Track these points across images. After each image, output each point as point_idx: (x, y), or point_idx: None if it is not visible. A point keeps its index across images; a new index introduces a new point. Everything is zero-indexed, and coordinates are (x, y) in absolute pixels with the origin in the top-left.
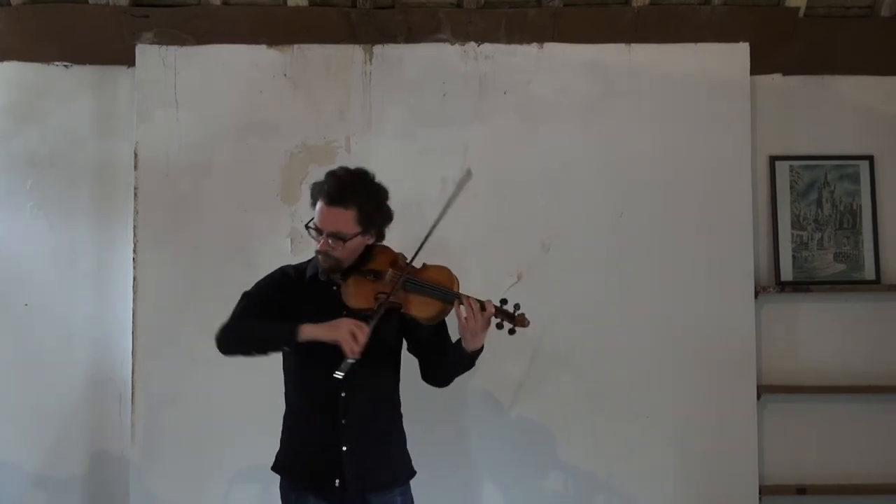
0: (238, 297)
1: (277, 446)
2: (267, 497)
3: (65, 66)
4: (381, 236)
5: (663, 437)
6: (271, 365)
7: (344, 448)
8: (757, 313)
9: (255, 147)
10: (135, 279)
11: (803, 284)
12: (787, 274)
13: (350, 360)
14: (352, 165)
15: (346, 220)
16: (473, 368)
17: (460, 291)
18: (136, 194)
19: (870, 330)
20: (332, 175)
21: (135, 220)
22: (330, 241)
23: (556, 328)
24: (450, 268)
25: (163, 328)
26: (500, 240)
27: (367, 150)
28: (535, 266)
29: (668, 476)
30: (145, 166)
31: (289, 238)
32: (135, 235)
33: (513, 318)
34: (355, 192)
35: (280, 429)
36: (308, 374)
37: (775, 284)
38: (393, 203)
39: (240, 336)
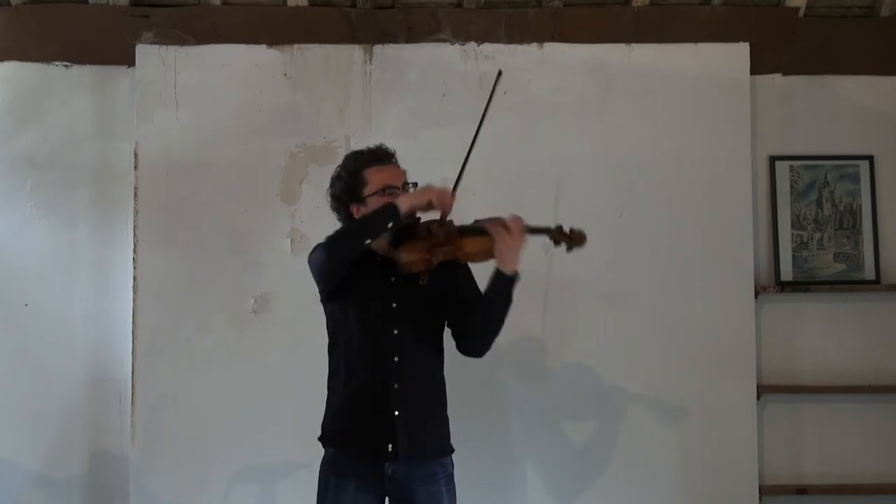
0: (239, 297)
1: (277, 446)
2: (267, 497)
3: (65, 66)
4: None
5: (663, 437)
6: (271, 365)
7: (396, 413)
8: (757, 313)
9: (255, 147)
10: (135, 279)
11: (803, 284)
12: (787, 274)
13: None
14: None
15: (403, 172)
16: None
17: None
18: (136, 194)
19: (870, 330)
20: (361, 150)
21: (135, 220)
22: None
23: (556, 328)
24: None
25: (163, 328)
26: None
27: None
28: (536, 266)
29: (669, 476)
30: (145, 166)
31: (289, 238)
32: (135, 235)
33: (569, 237)
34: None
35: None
36: (358, 340)
37: (775, 284)
38: None
39: (345, 238)
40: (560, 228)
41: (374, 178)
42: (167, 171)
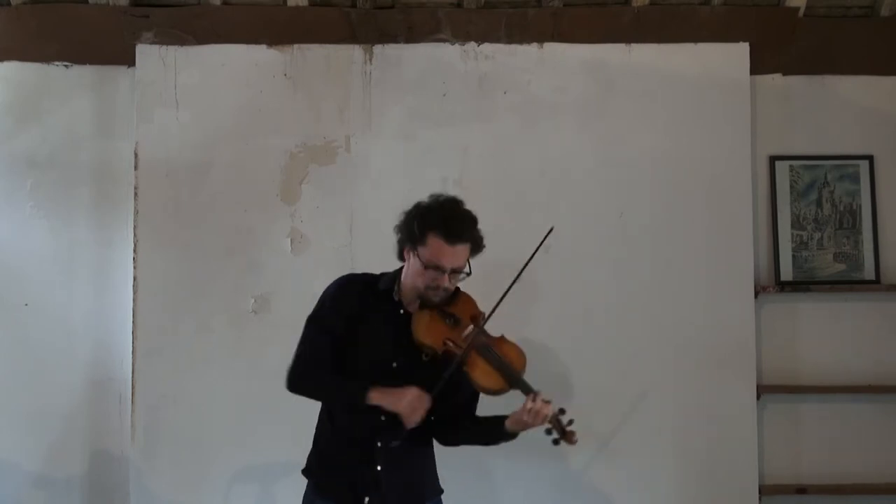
0: (239, 297)
1: (277, 446)
2: (267, 497)
3: (65, 66)
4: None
5: (663, 436)
6: (271, 366)
7: (379, 468)
8: (757, 313)
9: (255, 147)
10: (135, 279)
11: (803, 284)
12: (787, 274)
13: (406, 431)
14: (442, 195)
15: (464, 255)
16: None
17: (525, 379)
18: (136, 194)
19: (870, 330)
20: (444, 210)
21: (135, 220)
22: (449, 276)
23: (556, 328)
24: (524, 350)
25: (163, 328)
26: (501, 239)
27: (367, 150)
28: (536, 266)
29: (669, 476)
30: (145, 166)
31: (289, 238)
32: (135, 235)
33: (564, 433)
34: (469, 226)
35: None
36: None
37: (775, 284)
38: (392, 204)
39: (310, 387)
40: (566, 428)
41: (432, 248)
42: (167, 171)
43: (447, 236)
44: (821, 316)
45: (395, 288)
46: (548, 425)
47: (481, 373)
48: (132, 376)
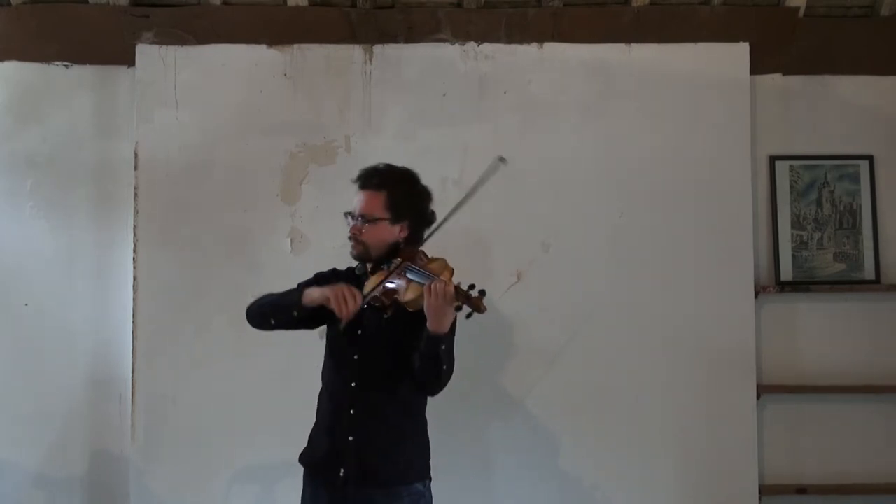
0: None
1: (276, 446)
2: (267, 497)
3: (65, 66)
4: (415, 237)
5: (663, 437)
6: (271, 366)
7: (350, 438)
8: (757, 313)
9: (255, 147)
10: (135, 279)
11: (803, 284)
12: (787, 274)
13: (342, 323)
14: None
15: (376, 202)
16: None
17: (452, 280)
18: (136, 194)
19: (870, 330)
20: (372, 166)
21: (135, 220)
22: (359, 223)
23: (556, 328)
24: (448, 260)
25: (163, 328)
26: (500, 240)
27: (367, 149)
28: (535, 266)
29: (669, 476)
30: (145, 166)
31: (289, 238)
32: (135, 235)
33: (469, 300)
34: (389, 178)
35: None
36: (328, 364)
37: (775, 284)
38: None
39: (261, 305)
40: (471, 294)
41: (354, 201)
42: (167, 171)
43: (360, 183)
44: (821, 316)
45: (356, 266)
46: (457, 303)
47: (412, 291)
48: (132, 376)
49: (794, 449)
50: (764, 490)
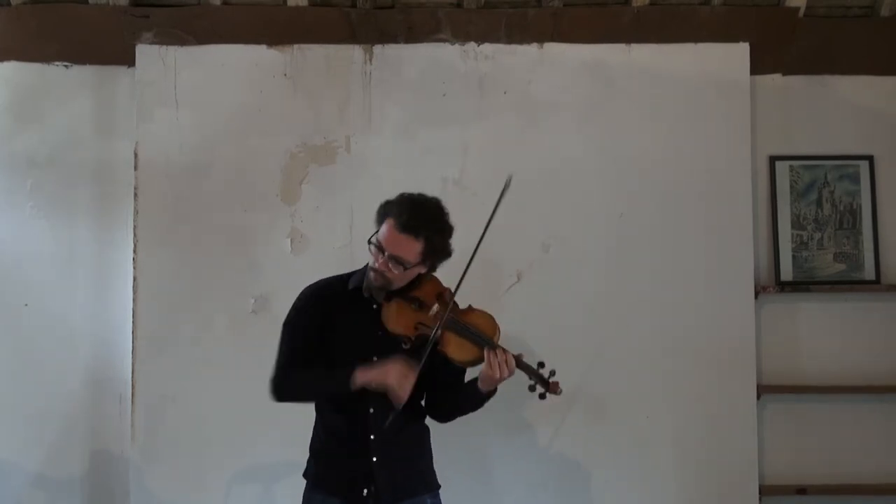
0: (239, 297)
1: (276, 446)
2: (267, 497)
3: (65, 66)
4: (433, 268)
5: (663, 437)
6: (270, 365)
7: (374, 459)
8: (757, 313)
9: (255, 147)
10: (135, 279)
11: (803, 284)
12: (787, 274)
13: (397, 409)
14: (427, 194)
15: (412, 249)
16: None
17: (498, 342)
18: (136, 194)
19: (870, 330)
20: (410, 201)
21: (135, 220)
22: (390, 263)
23: (556, 328)
24: (494, 316)
25: (163, 328)
26: (500, 240)
27: (367, 150)
28: (535, 266)
29: (669, 476)
30: (145, 166)
31: (289, 238)
32: (135, 235)
33: (546, 385)
34: (428, 225)
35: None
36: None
37: (775, 284)
38: None
39: (296, 390)
40: (548, 379)
41: (384, 232)
42: (167, 171)
43: (398, 223)
44: (821, 316)
45: (364, 284)
46: (530, 381)
47: (455, 347)
48: (132, 376)
49: (795, 449)
50: (764, 490)
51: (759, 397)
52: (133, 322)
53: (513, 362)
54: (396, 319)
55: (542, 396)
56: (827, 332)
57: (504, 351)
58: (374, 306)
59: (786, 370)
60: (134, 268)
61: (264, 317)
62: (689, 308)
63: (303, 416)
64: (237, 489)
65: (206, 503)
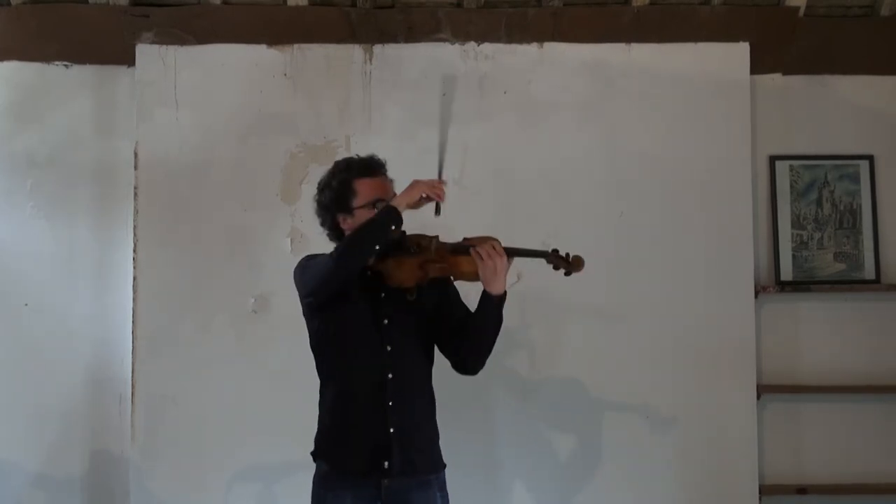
0: (239, 297)
1: (276, 446)
2: (267, 497)
3: (65, 65)
4: None
5: (663, 437)
6: (271, 366)
7: (391, 430)
8: (757, 313)
9: (255, 147)
10: (135, 279)
11: (803, 284)
12: (787, 274)
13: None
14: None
15: (391, 185)
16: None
17: None
18: (136, 194)
19: (870, 330)
20: (350, 159)
21: (135, 220)
22: None
23: (556, 328)
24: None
25: (163, 328)
26: (500, 239)
27: (366, 149)
28: (536, 266)
29: (669, 476)
30: (145, 166)
31: (289, 238)
32: (135, 235)
33: (566, 261)
34: (380, 161)
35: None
36: (349, 359)
37: (775, 284)
38: None
39: (350, 252)
40: (556, 252)
41: (364, 189)
42: (167, 171)
43: (370, 173)
44: (821, 316)
45: None
46: (550, 264)
47: (467, 264)
48: (132, 376)
49: (795, 449)
50: (764, 490)
51: (759, 397)
52: (133, 322)
53: (497, 244)
54: (403, 271)
55: (567, 273)
56: (827, 332)
57: (485, 239)
58: (367, 272)
59: (786, 370)
60: (134, 268)
61: (264, 316)
62: (689, 308)
63: (303, 415)
64: (237, 489)
65: (206, 503)
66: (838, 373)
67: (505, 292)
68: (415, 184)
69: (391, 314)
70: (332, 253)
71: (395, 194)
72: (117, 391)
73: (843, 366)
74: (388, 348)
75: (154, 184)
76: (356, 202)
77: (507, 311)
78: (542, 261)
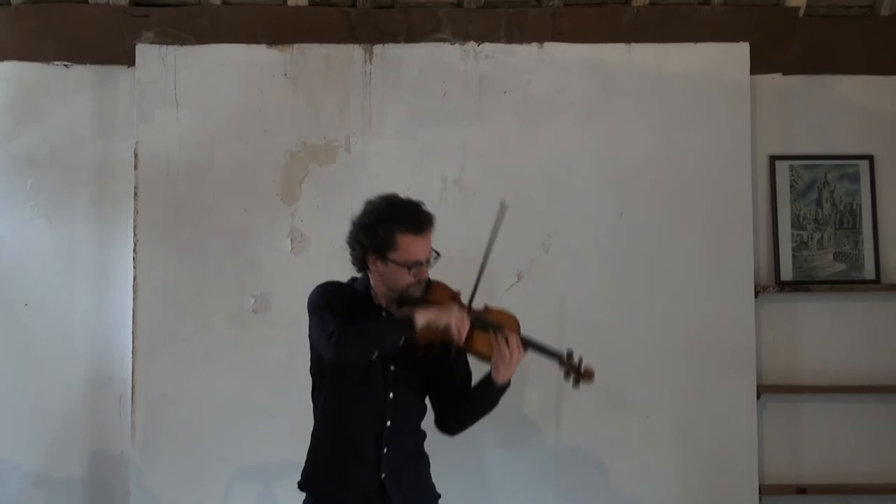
0: (239, 297)
1: (277, 445)
2: (267, 497)
3: (65, 65)
4: None
5: (663, 436)
6: (271, 366)
7: (383, 475)
8: (757, 313)
9: (255, 147)
10: (135, 279)
11: (803, 284)
12: (787, 273)
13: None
14: (384, 192)
15: (429, 243)
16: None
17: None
18: (136, 194)
19: (870, 330)
20: (400, 205)
21: (135, 220)
22: (426, 267)
23: (556, 328)
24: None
25: (163, 328)
26: (500, 240)
27: (366, 149)
28: (535, 266)
29: (669, 476)
30: (145, 166)
31: (289, 238)
32: (135, 235)
33: (578, 371)
34: (426, 211)
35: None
36: (352, 403)
37: (775, 284)
38: None
39: (359, 342)
40: (570, 358)
41: (406, 247)
42: (167, 171)
43: (416, 230)
44: (821, 316)
45: (372, 292)
46: (561, 370)
47: (482, 343)
48: (132, 376)
49: (794, 449)
50: (764, 490)
51: (758, 397)
52: (133, 322)
53: (517, 341)
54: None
55: (575, 383)
56: (827, 332)
57: (505, 316)
58: (384, 314)
59: (785, 370)
60: (134, 268)
61: (264, 316)
62: (689, 308)
63: (303, 415)
64: (237, 489)
65: (206, 502)
66: (838, 373)
67: (509, 382)
68: (450, 313)
69: (399, 363)
70: (333, 333)
71: (432, 251)
72: (117, 391)
73: (843, 366)
74: (391, 395)
75: (154, 184)
76: (393, 256)
77: (508, 309)
78: (536, 261)
